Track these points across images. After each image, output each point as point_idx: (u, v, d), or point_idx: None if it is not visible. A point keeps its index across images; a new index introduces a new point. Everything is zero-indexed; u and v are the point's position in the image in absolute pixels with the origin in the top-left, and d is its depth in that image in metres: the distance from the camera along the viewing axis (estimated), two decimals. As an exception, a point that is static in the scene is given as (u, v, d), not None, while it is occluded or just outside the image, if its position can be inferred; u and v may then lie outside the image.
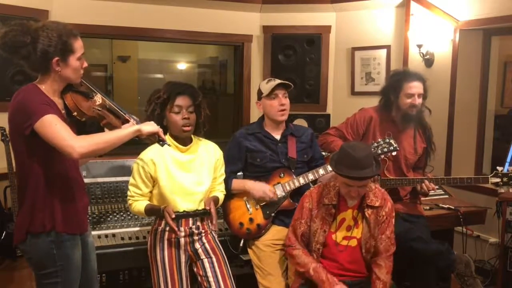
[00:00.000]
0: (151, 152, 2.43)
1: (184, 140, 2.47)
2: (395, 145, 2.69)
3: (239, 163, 2.81)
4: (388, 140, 2.71)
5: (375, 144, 2.71)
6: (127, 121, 2.25)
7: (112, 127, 2.20)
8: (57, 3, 4.10)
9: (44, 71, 1.99)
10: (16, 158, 2.04)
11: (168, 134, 2.46)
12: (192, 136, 2.51)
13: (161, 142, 2.14)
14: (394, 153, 2.72)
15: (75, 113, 2.08)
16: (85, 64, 2.07)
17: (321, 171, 2.72)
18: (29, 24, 1.95)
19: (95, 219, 2.77)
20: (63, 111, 2.05)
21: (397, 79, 2.93)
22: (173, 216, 2.33)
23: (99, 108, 2.14)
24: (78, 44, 2.02)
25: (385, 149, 2.69)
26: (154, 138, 2.13)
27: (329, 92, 4.85)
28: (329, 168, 2.68)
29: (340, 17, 4.75)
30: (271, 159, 2.78)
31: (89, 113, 2.10)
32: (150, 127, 2.10)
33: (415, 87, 2.87)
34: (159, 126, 2.14)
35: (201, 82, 8.90)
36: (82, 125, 2.23)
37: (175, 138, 2.45)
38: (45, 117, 1.86)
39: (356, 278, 2.44)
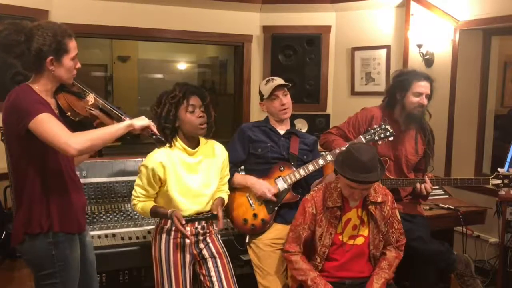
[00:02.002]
0: (159, 155, 2.39)
1: (192, 142, 2.46)
2: (391, 130, 2.68)
3: (242, 152, 2.82)
4: (384, 126, 2.70)
5: (372, 131, 2.71)
6: (121, 120, 2.27)
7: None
8: (57, 3, 4.10)
9: (38, 71, 1.98)
10: (11, 159, 2.03)
11: (177, 136, 2.44)
12: (199, 138, 2.50)
13: (154, 137, 2.11)
14: (391, 139, 2.71)
15: (69, 113, 2.07)
16: (78, 65, 2.06)
17: (321, 161, 2.73)
18: (23, 23, 1.95)
19: (95, 219, 2.77)
20: (56, 111, 2.05)
21: (405, 78, 2.91)
22: (183, 222, 2.30)
23: (92, 108, 2.14)
24: (73, 45, 2.01)
25: (382, 135, 2.68)
26: (146, 133, 2.11)
27: (329, 92, 4.85)
28: (329, 158, 2.69)
29: (340, 17, 4.75)
30: (272, 150, 2.80)
31: (82, 113, 2.10)
32: (141, 121, 2.07)
33: (424, 86, 2.86)
34: (149, 120, 2.11)
35: (201, 82, 8.91)
36: (80, 126, 2.23)
37: (185, 140, 2.44)
38: (39, 115, 1.86)
39: (358, 278, 2.44)
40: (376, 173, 2.27)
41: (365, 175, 2.23)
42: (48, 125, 1.86)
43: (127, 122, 2.04)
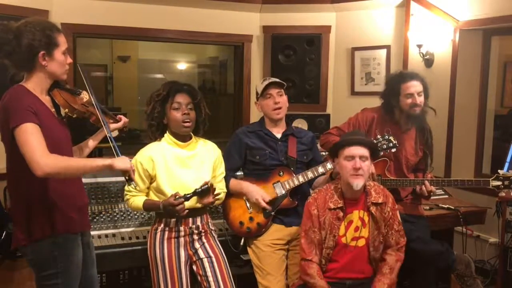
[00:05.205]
0: (150, 149, 2.45)
1: (183, 137, 2.48)
2: (394, 142, 2.66)
3: (238, 160, 2.81)
4: (387, 137, 2.68)
5: (374, 141, 2.70)
6: (115, 120, 2.29)
7: (101, 124, 2.20)
8: (57, 3, 4.10)
9: (30, 68, 1.97)
10: (9, 161, 2.01)
11: (167, 132, 2.47)
12: (192, 134, 2.52)
13: (128, 180, 2.06)
14: (393, 150, 2.70)
15: (66, 110, 2.07)
16: (69, 60, 2.05)
17: (320, 169, 2.72)
18: (9, 24, 1.94)
19: (95, 219, 2.77)
20: (52, 110, 2.04)
21: (394, 83, 2.93)
22: (176, 202, 2.28)
23: (87, 105, 2.14)
24: (62, 39, 2.00)
25: (384, 146, 2.66)
26: (123, 174, 2.05)
27: (329, 92, 4.84)
28: (329, 166, 2.67)
29: (340, 17, 4.75)
30: (271, 157, 2.78)
31: (79, 108, 2.09)
32: (122, 164, 2.00)
33: (413, 86, 2.86)
34: (132, 164, 2.06)
35: (201, 82, 8.91)
36: (81, 124, 2.22)
37: (175, 135, 2.46)
38: (24, 124, 1.83)
39: (359, 279, 2.44)
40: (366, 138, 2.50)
41: (357, 136, 2.42)
42: (29, 136, 1.83)
43: (108, 161, 1.98)
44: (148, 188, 2.47)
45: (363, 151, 2.36)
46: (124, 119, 2.37)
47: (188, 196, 2.32)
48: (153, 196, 2.46)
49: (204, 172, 2.51)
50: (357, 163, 2.34)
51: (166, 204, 2.33)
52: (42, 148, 1.83)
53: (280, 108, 2.76)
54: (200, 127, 2.52)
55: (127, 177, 2.04)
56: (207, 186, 2.36)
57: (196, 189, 2.35)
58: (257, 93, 2.84)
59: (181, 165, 2.45)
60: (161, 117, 2.44)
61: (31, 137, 1.83)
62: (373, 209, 2.42)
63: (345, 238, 2.42)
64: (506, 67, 4.30)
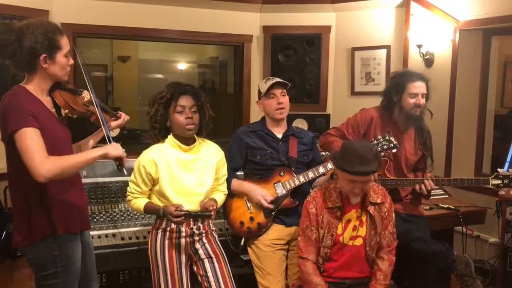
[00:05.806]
0: (153, 152, 2.43)
1: (187, 140, 2.46)
2: (395, 142, 2.66)
3: (240, 159, 2.81)
4: (388, 137, 2.68)
5: (375, 142, 2.69)
6: (117, 117, 2.30)
7: (101, 123, 2.20)
8: (57, 3, 4.10)
9: (31, 70, 1.97)
10: (8, 162, 2.01)
11: (171, 134, 2.46)
12: (196, 136, 2.50)
13: (119, 167, 2.11)
14: (394, 150, 2.70)
15: (66, 111, 2.07)
16: (71, 61, 2.05)
17: (321, 169, 2.72)
18: (12, 23, 1.94)
19: (95, 219, 2.77)
20: (53, 110, 2.04)
21: (400, 80, 2.93)
22: (175, 214, 2.31)
23: (88, 104, 2.14)
24: (64, 41, 2.00)
25: (385, 146, 2.66)
26: (115, 161, 2.11)
27: (329, 92, 4.85)
28: (329, 166, 2.67)
29: (340, 17, 4.75)
30: (271, 157, 2.78)
31: (80, 109, 2.10)
32: (116, 151, 2.08)
33: (419, 87, 2.87)
34: (124, 150, 2.12)
35: (201, 82, 8.91)
36: (82, 123, 2.22)
37: (178, 137, 2.45)
38: (23, 129, 1.84)
39: (359, 278, 2.44)
40: (374, 164, 2.32)
41: (364, 167, 2.27)
42: (29, 142, 1.83)
43: (102, 151, 2.03)
44: (151, 190, 2.46)
45: (368, 178, 2.34)
46: (124, 116, 2.37)
47: (189, 213, 2.35)
48: (156, 199, 2.44)
49: (207, 176, 2.49)
50: (358, 187, 2.33)
51: (166, 211, 2.34)
52: (41, 154, 1.84)
53: (283, 108, 2.77)
54: (203, 128, 2.50)
55: (118, 164, 2.09)
56: (209, 213, 2.39)
57: (198, 211, 2.39)
58: (259, 92, 2.83)
59: (184, 169, 2.43)
60: (164, 120, 2.42)
61: (30, 143, 1.83)
62: (371, 208, 2.42)
63: (342, 237, 2.42)
64: (506, 67, 4.31)
